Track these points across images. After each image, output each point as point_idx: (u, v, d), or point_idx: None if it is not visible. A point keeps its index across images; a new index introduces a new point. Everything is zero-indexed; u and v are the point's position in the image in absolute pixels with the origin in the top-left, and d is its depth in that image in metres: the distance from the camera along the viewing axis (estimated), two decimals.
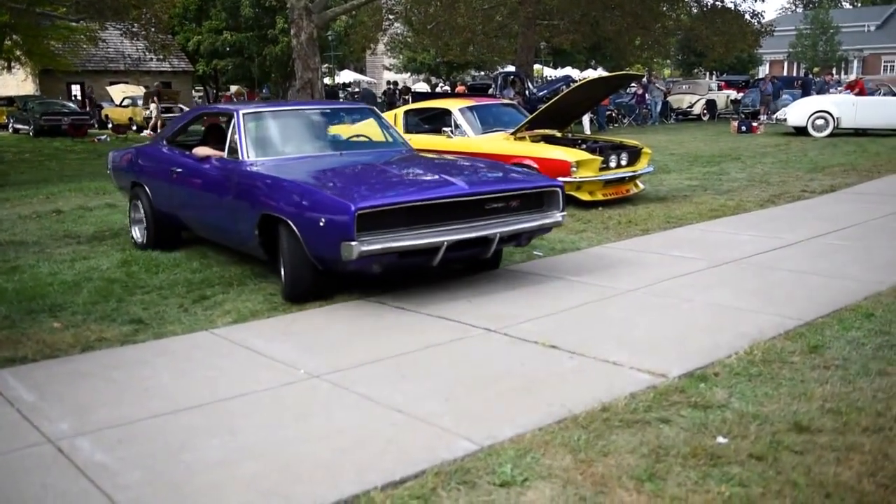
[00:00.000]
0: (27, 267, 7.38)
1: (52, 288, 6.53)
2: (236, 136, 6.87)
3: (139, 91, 33.02)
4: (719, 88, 36.08)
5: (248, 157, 6.73)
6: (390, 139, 7.79)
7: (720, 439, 3.51)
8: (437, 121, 11.00)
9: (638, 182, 10.73)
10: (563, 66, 46.78)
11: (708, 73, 57.38)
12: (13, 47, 33.46)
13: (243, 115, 7.06)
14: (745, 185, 12.00)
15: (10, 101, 34.91)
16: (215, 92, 40.47)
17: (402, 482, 3.17)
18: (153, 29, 23.30)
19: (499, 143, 10.23)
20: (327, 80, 37.28)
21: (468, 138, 10.43)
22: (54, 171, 17.55)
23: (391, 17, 31.45)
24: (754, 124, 23.61)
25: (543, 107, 10.44)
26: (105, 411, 3.93)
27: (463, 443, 3.52)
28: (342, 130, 8.19)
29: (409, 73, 41.43)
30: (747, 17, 31.15)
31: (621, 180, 10.30)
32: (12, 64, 35.25)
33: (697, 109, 31.74)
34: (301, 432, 3.70)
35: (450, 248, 5.62)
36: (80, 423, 3.80)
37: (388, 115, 11.91)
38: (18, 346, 5.03)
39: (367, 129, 8.09)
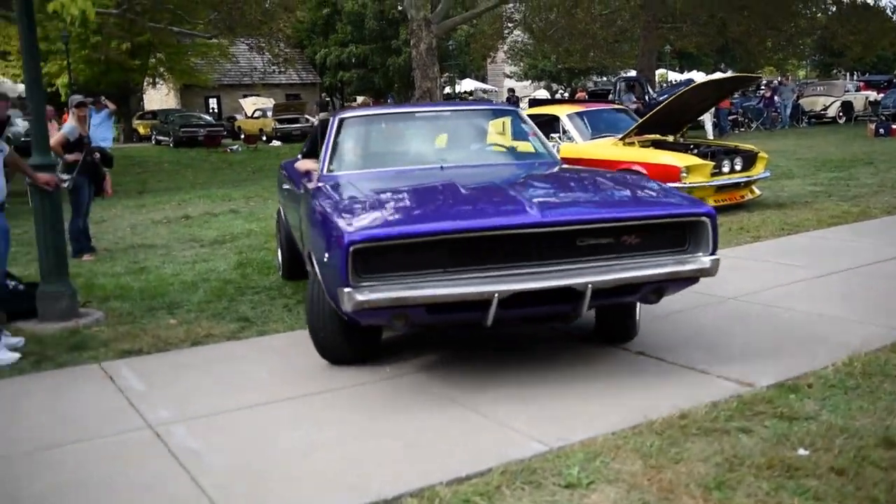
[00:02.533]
0: (153, 268, 7.91)
1: (173, 287, 6.97)
2: (322, 146, 5.73)
3: (269, 103, 34.46)
4: (857, 90, 34.11)
5: (325, 170, 5.46)
6: (532, 149, 5.92)
7: (801, 451, 3.39)
8: (546, 127, 10.98)
9: (754, 188, 10.40)
10: (689, 70, 45.67)
11: (847, 74, 54.49)
12: (157, 65, 35.68)
13: (338, 119, 5.89)
14: (874, 190, 11.41)
15: (153, 114, 37.11)
16: (341, 103, 41.73)
17: (467, 479, 3.23)
18: (281, 43, 24.31)
19: (606, 148, 10.15)
20: (447, 90, 37.81)
21: (575, 144, 10.40)
22: (188, 180, 18.55)
23: (511, 24, 31.59)
24: (894, 126, 22.27)
25: (653, 111, 10.27)
26: (202, 401, 4.18)
27: (533, 444, 3.55)
28: (470, 137, 6.31)
29: (529, 81, 41.47)
30: (888, 12, 29.46)
31: (735, 186, 10.02)
32: (156, 80, 37.59)
33: (832, 112, 30.02)
34: (378, 428, 3.83)
35: (509, 303, 3.96)
36: (179, 412, 4.07)
37: (496, 123, 12.05)
38: (136, 340, 5.41)
39: (502, 135, 6.39)
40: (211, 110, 40.75)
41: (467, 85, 41.82)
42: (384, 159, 5.83)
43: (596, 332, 4.99)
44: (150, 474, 3.40)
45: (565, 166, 5.78)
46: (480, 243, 4.04)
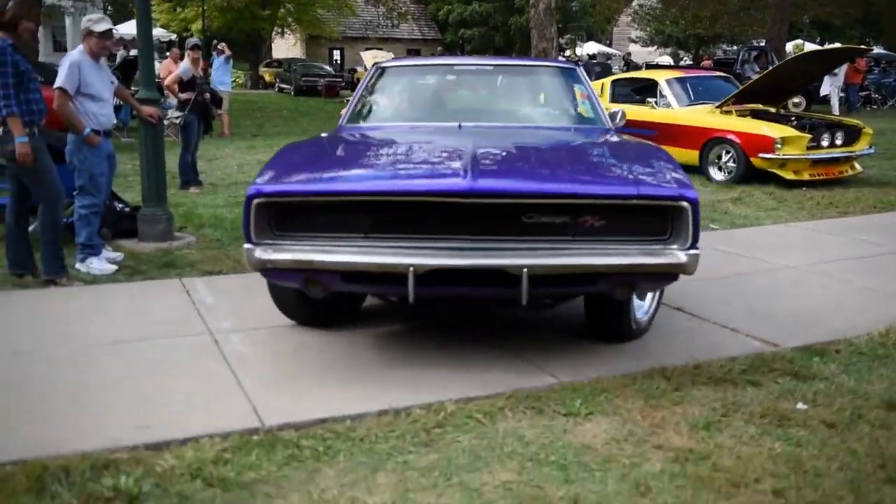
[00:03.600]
0: None
1: None
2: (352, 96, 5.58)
3: (389, 56, 35.02)
4: None
5: (345, 121, 5.27)
6: (582, 112, 5.28)
7: (800, 405, 3.55)
8: (644, 91, 11.00)
9: (855, 164, 10.12)
10: (831, 41, 43.45)
11: None
12: (285, 15, 36.81)
13: (377, 69, 5.69)
14: None
15: (278, 63, 38.36)
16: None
17: (475, 399, 3.55)
18: None
19: (701, 115, 10.09)
20: (568, 52, 37.42)
21: (670, 110, 10.38)
22: (301, 126, 19.25)
23: None
24: None
25: (752, 80, 10.12)
26: (259, 317, 4.63)
27: (546, 377, 3.84)
28: (512, 95, 5.72)
29: (655, 46, 40.53)
30: None
31: (833, 161, 9.78)
32: (284, 30, 38.79)
33: None
34: (409, 347, 4.20)
35: (434, 280, 3.52)
36: (237, 324, 4.55)
37: (595, 85, 12.10)
38: (218, 263, 5.95)
39: (552, 94, 5.70)
40: (334, 61, 41.73)
41: (590, 48, 41.25)
42: (405, 114, 5.41)
43: (586, 327, 4.44)
44: (203, 370, 3.89)
45: (606, 136, 4.91)
46: (404, 209, 3.61)
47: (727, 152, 9.69)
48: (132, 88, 8.25)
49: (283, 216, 3.64)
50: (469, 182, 3.47)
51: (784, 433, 3.28)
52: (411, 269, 3.44)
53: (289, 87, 33.44)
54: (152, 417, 3.36)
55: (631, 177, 3.81)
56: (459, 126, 4.76)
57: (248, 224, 3.57)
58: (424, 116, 5.29)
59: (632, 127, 10.64)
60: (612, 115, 5.26)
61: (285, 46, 43.98)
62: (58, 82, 5.54)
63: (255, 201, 3.55)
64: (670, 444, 3.19)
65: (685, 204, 3.53)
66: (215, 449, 3.05)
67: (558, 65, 5.90)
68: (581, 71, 5.63)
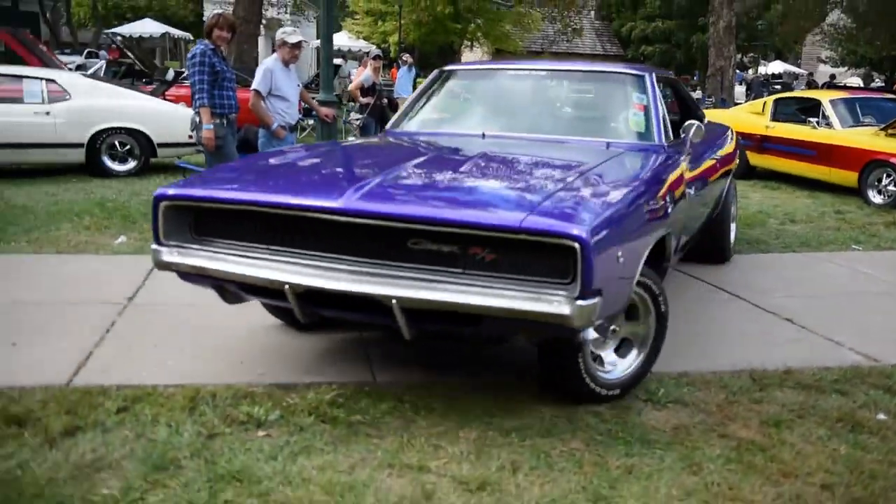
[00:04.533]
0: None
1: None
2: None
3: None
4: None
5: (389, 125, 5.18)
6: (631, 126, 4.59)
7: (880, 416, 3.56)
8: (807, 111, 10.63)
9: None
10: None
11: None
12: (475, 29, 37.79)
13: (439, 72, 5.42)
14: None
15: None
16: None
17: None
18: (573, 15, 24.96)
19: (863, 137, 9.65)
20: (750, 71, 35.97)
21: (831, 131, 9.99)
22: None
23: (830, 4, 29.33)
24: None
25: None
26: None
27: None
28: (563, 102, 5.21)
29: (846, 67, 38.13)
30: None
31: None
32: (473, 43, 39.79)
33: None
34: None
35: (318, 301, 3.29)
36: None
37: (757, 104, 11.80)
38: None
39: (606, 107, 4.96)
40: None
41: (775, 67, 39.43)
42: (441, 121, 5.09)
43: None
44: (332, 334, 4.38)
45: (633, 153, 4.31)
46: (293, 225, 3.31)
47: (888, 176, 9.24)
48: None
49: (187, 221, 3.52)
50: (344, 201, 3.12)
51: (854, 438, 3.32)
52: (287, 286, 3.19)
53: None
54: (280, 364, 3.87)
55: (538, 206, 3.08)
56: (483, 136, 4.52)
57: (156, 225, 3.50)
58: (455, 124, 5.02)
59: (791, 146, 10.44)
60: (686, 129, 4.46)
61: (473, 58, 45.06)
62: (253, 85, 6.36)
63: (161, 203, 3.47)
64: (735, 435, 3.32)
65: (572, 243, 2.84)
66: (332, 394, 3.50)
67: (622, 71, 4.96)
68: (650, 79, 4.69)
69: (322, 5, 7.01)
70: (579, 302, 2.87)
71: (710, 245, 5.99)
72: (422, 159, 4.04)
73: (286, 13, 30.43)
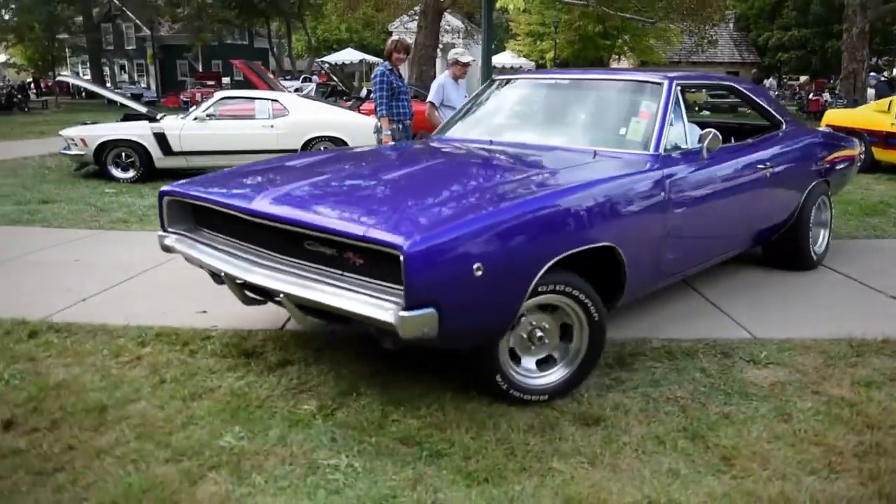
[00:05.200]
0: None
1: None
2: None
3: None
4: None
5: (436, 132, 4.93)
6: (627, 136, 3.89)
7: None
8: None
9: None
10: None
11: None
12: (623, 45, 36.78)
13: (490, 81, 5.06)
14: None
15: None
16: (778, 81, 38.87)
17: (677, 340, 3.82)
18: (709, 27, 23.72)
19: None
20: (885, 74, 32.72)
21: None
22: None
23: None
24: None
25: None
26: None
27: (742, 332, 3.96)
28: (588, 112, 4.36)
29: None
30: None
31: None
32: (620, 57, 38.74)
33: None
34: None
35: (251, 288, 3.20)
36: None
37: (883, 102, 10.86)
38: None
39: (612, 116, 4.19)
40: None
41: None
42: (467, 127, 4.65)
43: None
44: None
45: (609, 163, 3.62)
46: (233, 222, 3.29)
47: None
48: None
49: (186, 213, 3.62)
50: (253, 204, 3.09)
51: None
52: (223, 273, 3.20)
53: None
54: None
55: (391, 216, 2.81)
56: (490, 142, 4.20)
57: (161, 216, 3.63)
58: (475, 130, 4.56)
59: None
60: (702, 138, 3.84)
61: None
62: (429, 97, 6.72)
63: (164, 198, 3.61)
64: (827, 392, 3.23)
65: (397, 253, 2.55)
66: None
67: (638, 79, 4.21)
68: (666, 88, 3.96)
69: (483, 32, 7.21)
70: (403, 313, 2.56)
71: (786, 252, 5.13)
72: (364, 167, 3.81)
73: (459, 38, 30.99)
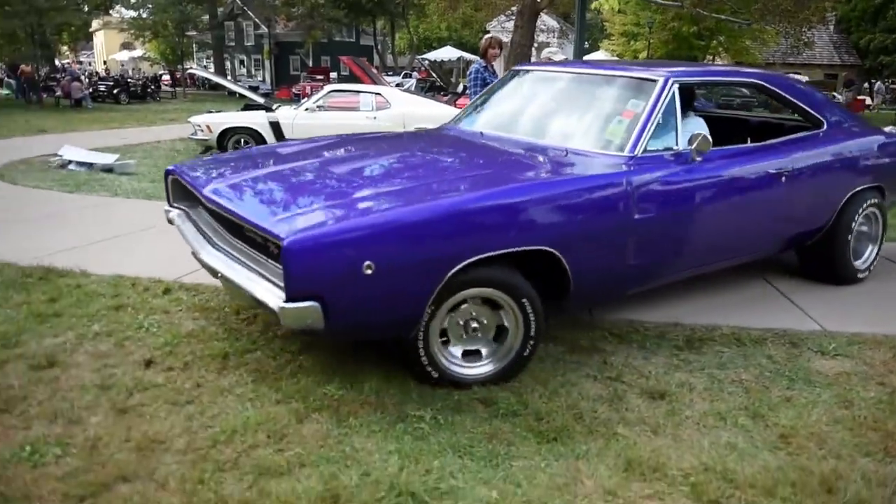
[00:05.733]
0: None
1: None
2: None
3: (803, 79, 31.75)
4: None
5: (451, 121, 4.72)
6: (605, 135, 3.58)
7: None
8: None
9: None
10: None
11: None
12: (717, 45, 35.47)
13: (512, 71, 4.73)
14: None
15: None
16: (878, 83, 36.54)
17: (745, 328, 3.83)
18: (806, 29, 22.54)
19: None
20: None
21: None
22: None
23: None
24: None
25: None
26: None
27: (813, 325, 3.92)
28: (581, 108, 3.98)
29: None
30: None
31: None
32: (715, 58, 37.37)
33: None
34: (702, 286, 4.48)
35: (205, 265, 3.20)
36: None
37: None
38: None
39: (597, 112, 3.83)
40: None
41: None
42: (469, 119, 4.48)
43: None
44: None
45: (570, 163, 3.42)
46: (203, 204, 3.44)
47: None
48: None
49: (186, 192, 3.68)
50: (205, 191, 3.24)
51: None
52: (192, 252, 3.29)
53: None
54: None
55: (298, 210, 2.82)
56: (482, 134, 4.04)
57: (166, 192, 3.83)
58: (473, 122, 4.37)
59: None
60: (692, 139, 3.48)
61: None
62: None
63: (168, 176, 3.80)
64: (892, 384, 3.20)
65: (282, 247, 2.54)
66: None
67: (633, 75, 3.79)
68: (660, 86, 3.58)
69: (576, 32, 7.25)
70: (284, 303, 2.58)
71: (820, 263, 4.58)
72: (326, 158, 3.72)
73: (555, 37, 30.74)
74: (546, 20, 27.20)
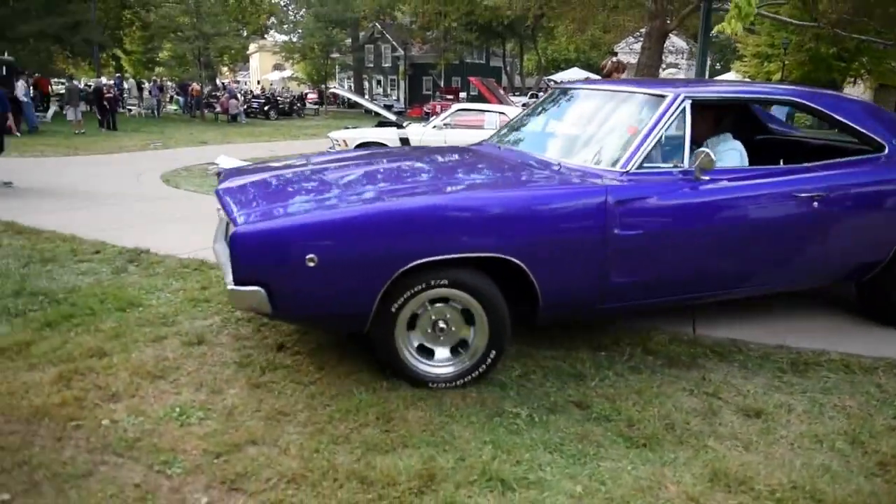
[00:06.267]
0: None
1: None
2: None
3: None
4: None
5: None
6: (606, 154, 3.44)
7: None
8: None
9: None
10: None
11: None
12: (859, 67, 33.01)
13: (551, 89, 4.65)
14: None
15: None
16: None
17: (855, 355, 3.65)
18: None
19: None
20: None
21: None
22: None
23: None
24: None
25: None
26: None
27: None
28: (582, 125, 3.93)
29: None
30: None
31: None
32: (856, 80, 34.79)
33: None
34: (818, 308, 4.26)
35: None
36: None
37: None
38: None
39: (604, 129, 3.72)
40: None
41: None
42: (502, 134, 4.41)
43: None
44: None
45: (538, 179, 3.39)
46: None
47: None
48: None
49: None
50: (220, 185, 3.61)
51: None
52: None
53: None
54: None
55: (267, 207, 3.05)
56: (499, 148, 4.11)
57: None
58: (503, 137, 4.34)
59: None
60: (695, 157, 3.27)
61: (854, 93, 39.28)
62: None
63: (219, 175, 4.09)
64: None
65: (232, 234, 2.79)
66: None
67: (644, 91, 3.65)
68: (669, 102, 3.42)
69: (698, 56, 7.10)
70: (231, 286, 2.82)
71: (875, 302, 4.07)
72: (336, 168, 3.78)
73: (683, 59, 29.84)
74: (675, 41, 26.44)
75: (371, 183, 3.44)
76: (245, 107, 27.56)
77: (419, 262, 2.86)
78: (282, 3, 40.22)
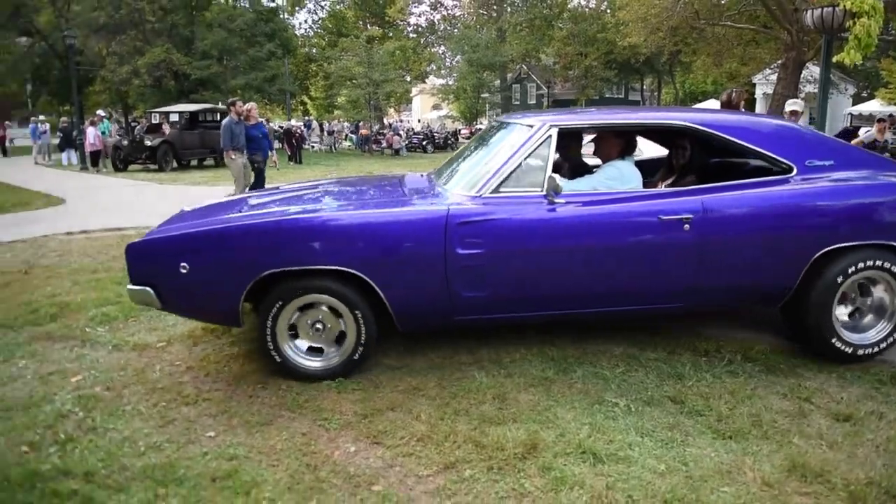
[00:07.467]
0: None
1: None
2: None
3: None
4: None
5: None
6: (462, 180, 3.52)
7: None
8: None
9: None
10: None
11: None
12: None
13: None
14: None
15: None
16: None
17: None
18: None
19: None
20: None
21: None
22: None
23: None
24: None
25: None
26: None
27: None
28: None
29: None
30: None
31: None
32: None
33: None
34: None
35: None
36: None
37: None
38: None
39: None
40: None
41: None
42: (441, 167, 4.25)
43: None
44: None
45: (399, 201, 3.44)
46: None
47: None
48: None
49: None
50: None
51: None
52: None
53: None
54: None
55: (183, 223, 3.40)
56: (422, 176, 4.27)
57: None
58: (439, 169, 4.24)
59: None
60: (547, 182, 3.25)
61: None
62: None
63: None
64: None
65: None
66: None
67: (520, 121, 3.62)
68: (532, 131, 3.40)
69: (820, 84, 6.70)
70: (128, 286, 3.29)
71: (796, 332, 3.64)
72: (299, 194, 3.92)
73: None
74: (813, 71, 24.42)
75: (273, 205, 3.54)
76: (407, 142, 29.10)
77: (273, 271, 3.12)
78: (440, 52, 42.03)
